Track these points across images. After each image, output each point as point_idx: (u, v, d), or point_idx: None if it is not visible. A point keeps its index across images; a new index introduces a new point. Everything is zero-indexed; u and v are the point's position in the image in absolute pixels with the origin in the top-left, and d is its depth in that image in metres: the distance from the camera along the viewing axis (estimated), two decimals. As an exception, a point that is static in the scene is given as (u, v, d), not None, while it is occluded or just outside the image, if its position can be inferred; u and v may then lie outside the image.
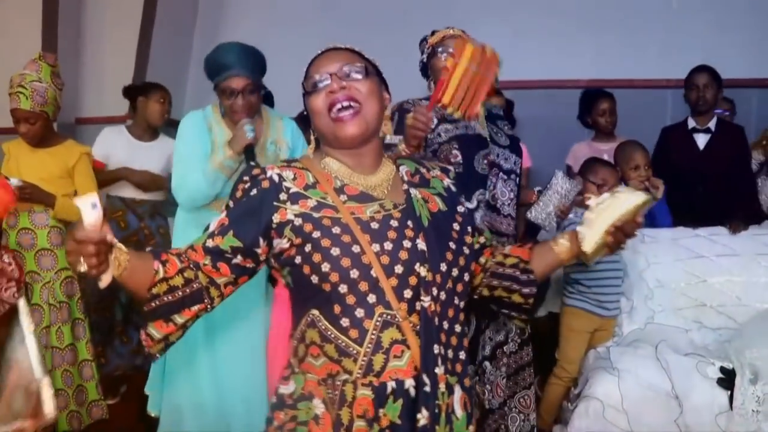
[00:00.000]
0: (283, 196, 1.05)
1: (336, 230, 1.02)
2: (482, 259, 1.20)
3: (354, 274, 1.00)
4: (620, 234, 1.12)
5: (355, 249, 1.00)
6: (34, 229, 2.41)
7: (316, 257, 1.01)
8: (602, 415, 1.98)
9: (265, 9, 4.20)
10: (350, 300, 1.00)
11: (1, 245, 2.42)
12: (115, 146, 2.90)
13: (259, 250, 1.05)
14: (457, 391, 1.04)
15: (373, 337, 1.00)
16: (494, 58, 1.64)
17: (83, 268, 0.89)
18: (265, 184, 1.06)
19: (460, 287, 1.07)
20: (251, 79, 2.02)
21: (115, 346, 2.86)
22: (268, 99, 2.95)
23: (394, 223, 1.04)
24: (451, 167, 1.23)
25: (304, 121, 3.13)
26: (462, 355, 1.07)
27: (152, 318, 1.02)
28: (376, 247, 1.01)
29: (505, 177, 1.93)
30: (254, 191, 1.06)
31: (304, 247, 1.02)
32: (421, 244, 1.02)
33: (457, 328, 1.06)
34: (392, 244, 1.01)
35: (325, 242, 1.01)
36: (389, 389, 1.00)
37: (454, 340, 1.04)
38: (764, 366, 1.97)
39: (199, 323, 2.11)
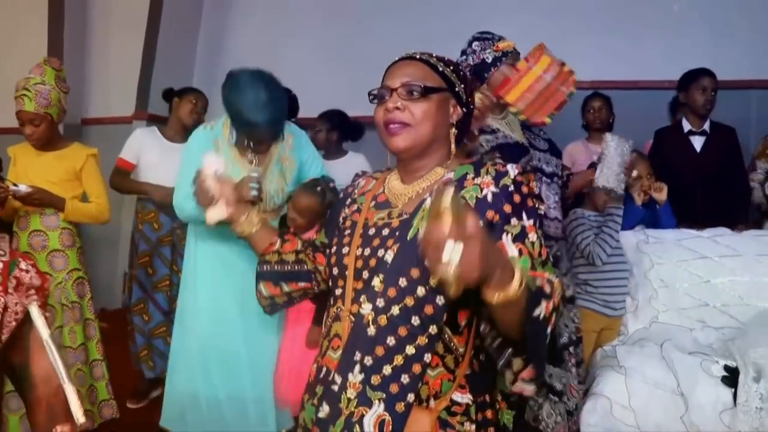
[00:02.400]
0: (348, 201, 1.18)
1: (347, 232, 1.12)
2: None
3: (335, 271, 1.11)
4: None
5: (345, 250, 1.09)
6: (46, 230, 2.43)
7: (329, 252, 1.15)
8: (610, 412, 2.01)
9: (268, 13, 4.22)
10: (332, 290, 1.13)
11: (16, 251, 2.44)
12: (147, 147, 2.90)
13: None
14: (377, 409, 0.99)
15: (327, 323, 1.12)
16: (572, 77, 1.66)
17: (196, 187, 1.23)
18: (349, 189, 1.21)
19: (429, 310, 0.98)
20: (275, 132, 1.95)
21: (157, 347, 2.85)
22: (292, 103, 2.91)
23: (386, 231, 1.07)
24: (511, 169, 1.05)
25: (332, 119, 3.14)
26: (405, 378, 0.98)
27: (261, 278, 1.25)
28: (359, 251, 1.07)
29: (549, 181, 1.94)
30: (342, 194, 1.23)
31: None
32: (389, 256, 1.03)
33: (410, 350, 0.99)
34: (370, 251, 1.06)
35: (334, 241, 1.13)
36: (322, 373, 1.09)
37: (398, 359, 0.99)
38: (767, 364, 2.01)
39: (209, 322, 2.12)
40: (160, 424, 2.22)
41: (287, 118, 2.03)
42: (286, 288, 1.22)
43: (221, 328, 2.14)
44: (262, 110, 1.80)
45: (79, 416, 1.03)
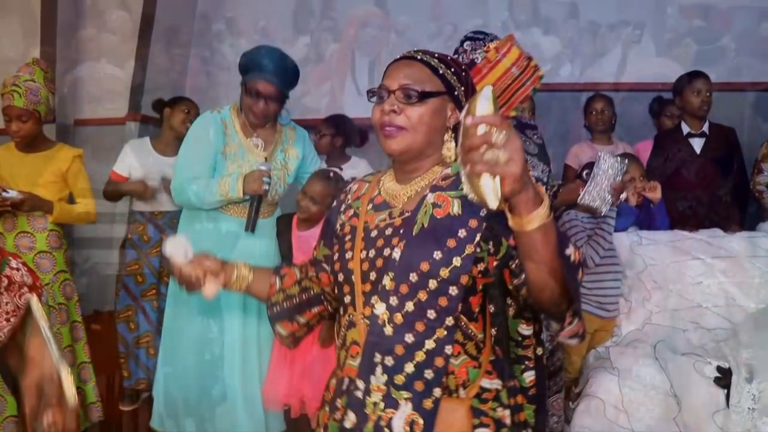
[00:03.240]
0: (343, 208, 1.16)
1: (347, 237, 1.10)
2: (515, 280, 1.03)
3: (340, 277, 1.09)
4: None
5: (348, 255, 1.07)
6: (33, 232, 2.40)
7: (331, 261, 1.12)
8: (603, 414, 2.00)
9: (260, 24, 4.21)
10: (339, 298, 1.10)
11: (5, 250, 2.41)
12: (135, 162, 2.84)
13: None
14: (405, 409, 0.98)
15: (341, 333, 1.09)
16: (537, 72, 1.65)
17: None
18: (342, 197, 1.18)
19: (443, 301, 0.98)
20: (279, 88, 2.05)
21: (139, 357, 2.79)
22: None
23: (389, 231, 1.06)
24: None
25: (336, 124, 3.12)
26: (428, 374, 0.98)
27: (275, 320, 1.20)
28: (363, 254, 1.05)
29: None
30: (335, 203, 1.20)
31: (332, 251, 1.14)
32: (396, 253, 1.01)
33: (429, 344, 0.98)
34: (375, 252, 1.05)
35: (336, 248, 1.11)
36: (344, 385, 1.05)
37: (419, 356, 0.98)
38: (759, 365, 2.00)
39: (200, 326, 2.11)
40: (150, 425, 2.20)
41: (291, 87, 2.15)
42: (302, 320, 1.20)
43: (214, 330, 2.13)
44: (276, 59, 2.03)
45: (72, 395, 1.03)
